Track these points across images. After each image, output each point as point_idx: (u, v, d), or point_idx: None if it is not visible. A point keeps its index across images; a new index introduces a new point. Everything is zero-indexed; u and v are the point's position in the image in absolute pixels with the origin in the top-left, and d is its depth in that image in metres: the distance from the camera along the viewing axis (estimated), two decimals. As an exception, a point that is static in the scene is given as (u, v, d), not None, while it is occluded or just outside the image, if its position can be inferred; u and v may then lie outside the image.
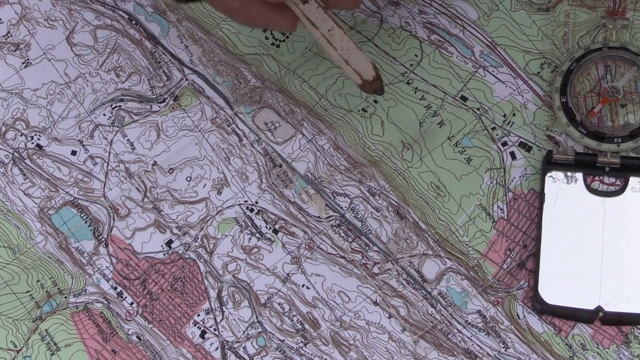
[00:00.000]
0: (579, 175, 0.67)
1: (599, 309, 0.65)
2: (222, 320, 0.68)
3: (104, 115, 0.71)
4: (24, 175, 0.71)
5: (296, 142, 0.70)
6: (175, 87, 0.71)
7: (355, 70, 0.61)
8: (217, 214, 0.69)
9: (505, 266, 0.67)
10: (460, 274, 0.67)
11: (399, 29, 0.71)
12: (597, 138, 0.67)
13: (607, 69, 0.68)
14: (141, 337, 0.68)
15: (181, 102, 0.71)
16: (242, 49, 0.71)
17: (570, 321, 0.66)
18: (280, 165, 0.70)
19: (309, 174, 0.70)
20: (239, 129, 0.70)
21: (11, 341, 0.69)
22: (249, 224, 0.69)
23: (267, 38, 0.71)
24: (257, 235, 0.69)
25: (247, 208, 0.69)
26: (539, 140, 0.68)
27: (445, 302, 0.67)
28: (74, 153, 0.71)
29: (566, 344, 0.66)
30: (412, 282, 0.68)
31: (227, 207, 0.70)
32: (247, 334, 0.68)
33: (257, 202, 0.69)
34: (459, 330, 0.67)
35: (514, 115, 0.69)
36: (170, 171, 0.70)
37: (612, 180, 0.67)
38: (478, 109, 0.69)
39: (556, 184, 0.67)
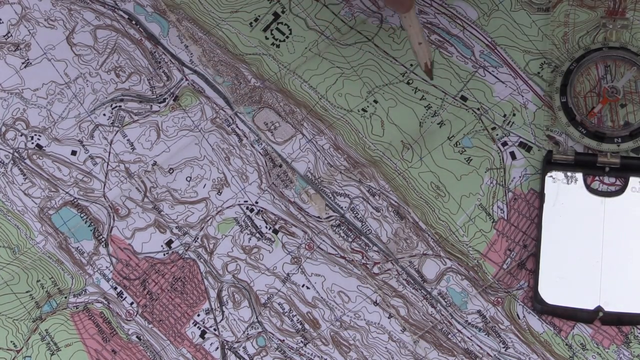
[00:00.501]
0: (579, 175, 0.67)
1: (599, 309, 0.65)
2: (222, 320, 0.68)
3: (104, 115, 0.71)
4: (24, 175, 0.71)
5: (296, 142, 0.70)
6: (175, 87, 0.71)
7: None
8: (217, 214, 0.69)
9: (505, 266, 0.67)
10: (460, 274, 0.67)
11: (399, 29, 0.71)
12: (597, 138, 0.67)
13: (607, 69, 0.68)
14: (141, 337, 0.68)
15: (181, 102, 0.71)
16: (242, 49, 0.71)
17: (570, 321, 0.66)
18: (280, 165, 0.70)
19: (309, 174, 0.70)
20: (239, 129, 0.70)
21: (11, 341, 0.69)
22: (249, 224, 0.69)
23: (267, 38, 0.71)
24: (257, 235, 0.69)
25: (247, 208, 0.69)
26: (539, 140, 0.68)
27: (445, 302, 0.67)
28: (74, 153, 0.71)
29: (566, 344, 0.66)
30: (412, 282, 0.68)
31: (227, 207, 0.70)
32: (247, 334, 0.68)
33: (257, 202, 0.69)
34: (459, 330, 0.67)
35: (514, 115, 0.69)
36: (170, 171, 0.70)
37: (612, 180, 0.67)
38: (478, 109, 0.69)
39: (556, 184, 0.67)
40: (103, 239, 0.70)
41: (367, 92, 0.70)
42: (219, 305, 0.68)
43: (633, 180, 0.67)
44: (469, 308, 0.67)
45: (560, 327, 0.66)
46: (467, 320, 0.67)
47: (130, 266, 0.69)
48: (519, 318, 0.67)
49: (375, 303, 0.68)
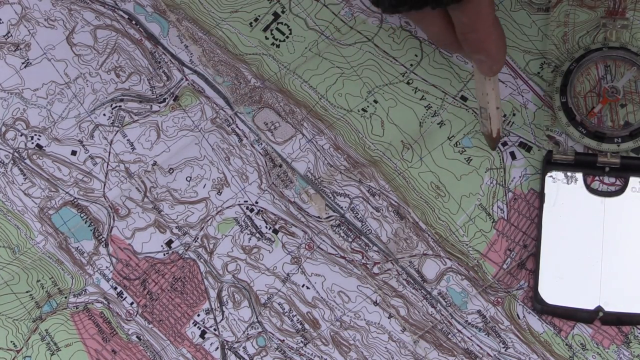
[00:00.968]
0: (579, 175, 0.67)
1: (599, 309, 0.65)
2: (222, 320, 0.68)
3: (104, 115, 0.71)
4: (24, 175, 0.71)
5: (296, 142, 0.70)
6: (175, 87, 0.71)
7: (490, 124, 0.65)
8: (217, 214, 0.70)
9: (505, 266, 0.67)
10: (460, 274, 0.67)
11: (399, 29, 0.71)
12: (597, 138, 0.67)
13: (607, 69, 0.68)
14: (141, 337, 0.68)
15: (181, 102, 0.71)
16: (242, 49, 0.71)
17: (570, 321, 0.66)
18: (280, 165, 0.70)
19: (309, 174, 0.70)
20: (239, 129, 0.70)
21: (11, 341, 0.69)
22: (249, 224, 0.69)
23: (267, 38, 0.71)
24: (257, 235, 0.69)
25: (247, 208, 0.69)
26: (539, 140, 0.68)
27: (445, 302, 0.67)
28: (74, 153, 0.71)
29: (566, 344, 0.66)
30: (412, 282, 0.68)
31: (227, 207, 0.70)
32: (247, 334, 0.68)
33: (257, 202, 0.69)
34: (459, 330, 0.67)
35: (514, 115, 0.69)
36: (170, 171, 0.70)
37: (612, 180, 0.67)
38: (478, 109, 0.69)
39: (556, 184, 0.67)
40: (103, 239, 0.70)
41: (367, 92, 0.70)
42: (219, 305, 0.68)
43: (633, 180, 0.67)
44: (469, 308, 0.67)
45: (560, 327, 0.66)
46: (467, 320, 0.67)
47: (130, 266, 0.69)
48: (519, 318, 0.67)
49: (375, 303, 0.68)
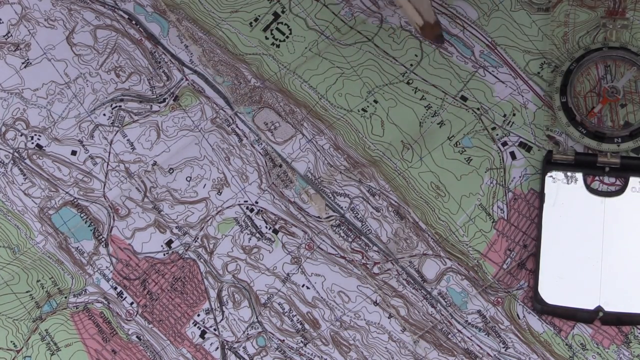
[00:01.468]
0: (579, 175, 0.67)
1: (599, 309, 0.65)
2: (222, 320, 0.68)
3: (104, 115, 0.71)
4: (24, 175, 0.71)
5: (296, 142, 0.70)
6: (175, 87, 0.71)
7: (417, 10, 0.58)
8: (217, 214, 0.70)
9: (505, 266, 0.67)
10: (460, 274, 0.67)
11: (399, 29, 0.71)
12: (597, 138, 0.67)
13: (607, 69, 0.68)
14: (141, 337, 0.68)
15: (181, 102, 0.71)
16: (242, 49, 0.71)
17: (570, 321, 0.66)
18: (280, 165, 0.70)
19: (309, 174, 0.70)
20: (239, 129, 0.70)
21: (11, 341, 0.69)
22: (249, 224, 0.69)
23: (267, 38, 0.71)
24: (257, 235, 0.69)
25: (247, 208, 0.69)
26: (539, 140, 0.68)
27: (445, 302, 0.67)
28: (74, 153, 0.71)
29: (566, 344, 0.66)
30: (412, 282, 0.68)
31: (227, 207, 0.70)
32: (247, 334, 0.68)
33: (257, 202, 0.69)
34: (459, 330, 0.67)
35: (514, 115, 0.69)
36: (170, 171, 0.70)
37: (612, 180, 0.67)
38: (478, 109, 0.69)
39: (556, 184, 0.67)
40: (103, 239, 0.70)
41: (367, 92, 0.70)
42: (219, 305, 0.68)
43: (633, 180, 0.67)
44: (469, 308, 0.67)
45: (560, 327, 0.66)
46: (467, 320, 0.67)
47: (130, 266, 0.69)
48: (519, 318, 0.67)
49: (375, 303, 0.68)
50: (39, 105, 0.71)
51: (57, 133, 0.71)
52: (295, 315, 0.68)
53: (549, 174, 0.67)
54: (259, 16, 0.72)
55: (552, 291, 0.65)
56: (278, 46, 0.71)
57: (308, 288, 0.68)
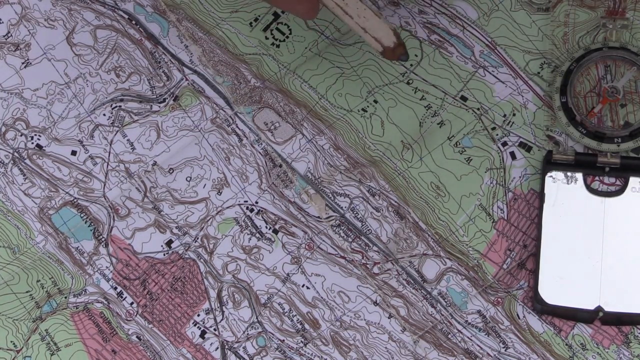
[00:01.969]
0: (579, 175, 0.67)
1: (599, 309, 0.65)
2: (222, 320, 0.68)
3: (104, 115, 0.71)
4: (24, 175, 0.71)
5: (296, 142, 0.70)
6: (175, 87, 0.71)
7: (374, 38, 0.59)
8: (217, 214, 0.70)
9: (505, 266, 0.67)
10: (460, 274, 0.67)
11: (398, 29, 0.71)
12: (597, 138, 0.67)
13: (607, 69, 0.68)
14: (141, 337, 0.68)
15: (181, 102, 0.71)
16: (242, 49, 0.71)
17: (570, 321, 0.66)
18: (280, 165, 0.70)
19: (309, 174, 0.70)
20: (239, 129, 0.70)
21: (11, 341, 0.69)
22: (249, 224, 0.69)
23: (267, 38, 0.71)
24: (257, 235, 0.69)
25: (247, 208, 0.69)
26: (539, 140, 0.68)
27: (445, 302, 0.67)
28: (74, 153, 0.71)
29: (566, 344, 0.66)
30: (412, 282, 0.68)
31: (227, 207, 0.70)
32: (247, 334, 0.68)
33: (257, 202, 0.69)
34: (459, 330, 0.67)
35: (514, 115, 0.69)
36: (170, 171, 0.70)
37: (612, 180, 0.67)
38: (478, 109, 0.69)
39: (556, 184, 0.67)
40: (103, 239, 0.70)
41: (367, 92, 0.70)
42: (219, 305, 0.68)
43: (633, 180, 0.67)
44: (469, 308, 0.67)
45: (560, 327, 0.66)
46: (467, 320, 0.67)
47: (130, 266, 0.69)
48: (519, 318, 0.67)
49: (375, 303, 0.68)
50: (39, 105, 0.71)
51: (57, 133, 0.71)
52: (295, 315, 0.68)
53: (549, 174, 0.67)
54: (259, 16, 0.72)
55: (552, 291, 0.65)
56: (278, 46, 0.71)
57: (308, 288, 0.68)
